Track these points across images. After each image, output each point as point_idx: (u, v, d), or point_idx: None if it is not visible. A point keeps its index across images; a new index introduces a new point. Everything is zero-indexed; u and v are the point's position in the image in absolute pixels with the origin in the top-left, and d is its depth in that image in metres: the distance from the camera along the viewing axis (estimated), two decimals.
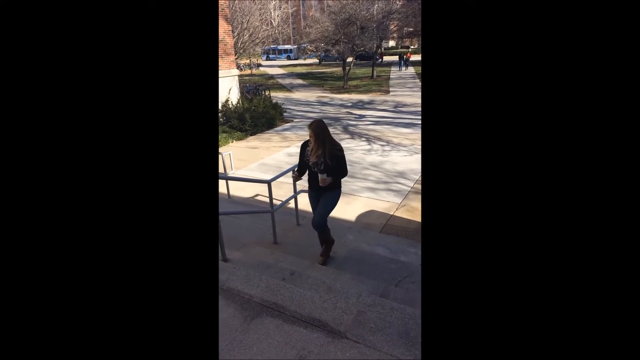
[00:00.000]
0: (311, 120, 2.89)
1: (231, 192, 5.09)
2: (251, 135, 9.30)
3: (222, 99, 9.59)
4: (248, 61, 27.41)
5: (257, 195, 5.27)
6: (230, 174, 5.70)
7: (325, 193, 2.92)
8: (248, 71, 27.97)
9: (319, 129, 2.81)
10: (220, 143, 8.22)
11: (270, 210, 3.44)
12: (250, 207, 4.78)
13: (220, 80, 9.57)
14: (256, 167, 6.94)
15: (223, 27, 9.52)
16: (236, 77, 10.28)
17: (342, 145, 2.92)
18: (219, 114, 9.26)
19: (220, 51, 9.51)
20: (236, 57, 12.17)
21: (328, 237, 3.16)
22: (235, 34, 13.81)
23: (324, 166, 2.80)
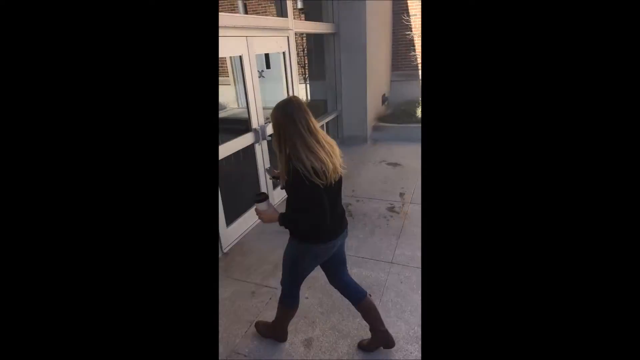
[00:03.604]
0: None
1: None
2: None
3: None
4: None
5: None
6: None
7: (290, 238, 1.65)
8: None
9: (278, 113, 1.47)
10: None
11: None
12: None
13: None
14: None
15: None
16: None
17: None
18: None
19: None
20: None
21: (278, 324, 1.84)
22: None
23: (283, 184, 1.57)
